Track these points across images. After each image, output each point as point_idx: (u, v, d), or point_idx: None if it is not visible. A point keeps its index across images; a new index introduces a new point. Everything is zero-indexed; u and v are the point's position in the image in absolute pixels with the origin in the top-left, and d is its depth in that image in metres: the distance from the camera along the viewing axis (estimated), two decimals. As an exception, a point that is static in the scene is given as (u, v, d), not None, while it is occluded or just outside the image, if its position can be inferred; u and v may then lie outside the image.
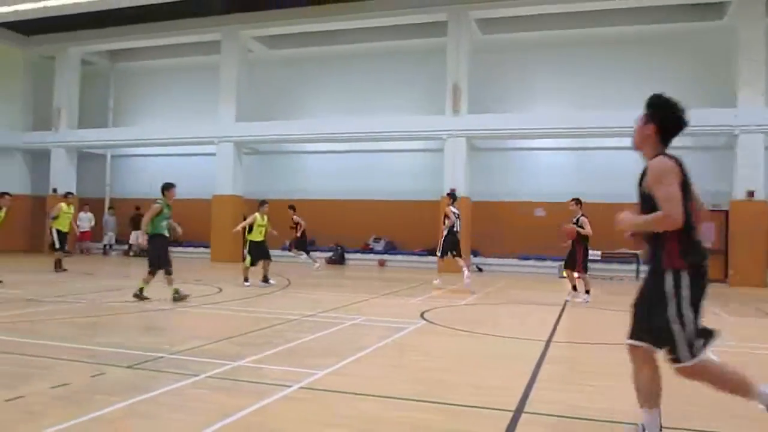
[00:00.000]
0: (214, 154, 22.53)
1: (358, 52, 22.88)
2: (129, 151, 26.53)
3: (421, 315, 9.44)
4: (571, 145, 20.62)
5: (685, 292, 3.54)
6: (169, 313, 9.42)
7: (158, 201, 10.49)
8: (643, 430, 3.76)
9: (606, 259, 19.29)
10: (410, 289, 13.79)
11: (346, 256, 22.08)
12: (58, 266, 15.84)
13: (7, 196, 13.05)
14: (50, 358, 5.92)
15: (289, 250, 19.36)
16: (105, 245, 24.92)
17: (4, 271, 13.57)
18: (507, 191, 21.05)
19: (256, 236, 13.42)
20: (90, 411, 4.27)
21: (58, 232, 15.94)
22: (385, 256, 21.71)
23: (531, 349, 7.01)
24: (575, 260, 11.65)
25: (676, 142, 3.83)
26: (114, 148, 26.35)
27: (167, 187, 10.67)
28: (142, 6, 20.56)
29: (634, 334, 3.81)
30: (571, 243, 11.59)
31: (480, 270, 19.92)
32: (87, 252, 24.42)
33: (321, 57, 23.45)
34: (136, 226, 24.14)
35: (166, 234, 10.50)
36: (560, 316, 10.06)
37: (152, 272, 10.34)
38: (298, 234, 18.51)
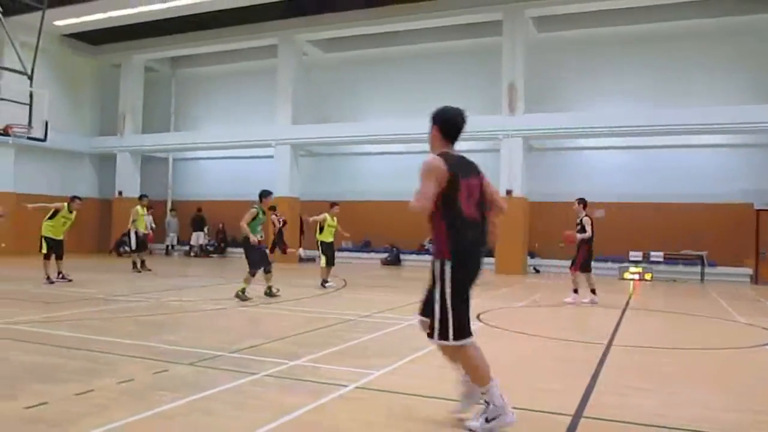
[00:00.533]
0: (271, 157, 22.92)
1: (412, 53, 22.88)
2: (189, 155, 27.29)
3: (477, 317, 9.35)
4: (633, 143, 20.04)
5: (448, 279, 4.00)
6: (228, 312, 9.62)
7: (254, 206, 11.04)
8: (488, 405, 4.06)
9: (669, 260, 18.72)
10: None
11: (401, 257, 22.08)
12: (142, 266, 16.53)
13: (77, 200, 13.60)
14: (116, 354, 6.13)
15: (284, 252, 19.49)
16: (167, 246, 25.70)
17: (73, 271, 14.14)
18: (565, 191, 20.57)
19: (327, 237, 13.46)
20: (153, 406, 4.40)
21: (136, 233, 16.61)
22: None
23: (591, 352, 6.85)
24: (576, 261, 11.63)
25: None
26: (175, 152, 27.16)
27: (265, 195, 11.29)
28: (202, 14, 21.20)
29: (422, 311, 4.42)
30: (576, 245, 11.59)
31: (537, 271, 19.62)
32: (150, 253, 25.19)
33: (375, 59, 23.56)
34: (197, 227, 24.89)
35: (261, 237, 11.13)
36: (621, 318, 9.80)
37: (253, 273, 10.80)
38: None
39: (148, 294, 11.47)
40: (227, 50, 24.63)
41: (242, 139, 23.61)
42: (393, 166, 23.11)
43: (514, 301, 11.74)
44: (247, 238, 10.78)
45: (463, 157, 4.26)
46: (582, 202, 11.95)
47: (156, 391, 4.82)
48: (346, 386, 5.06)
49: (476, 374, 4.10)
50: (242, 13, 21.38)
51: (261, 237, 11.29)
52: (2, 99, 16.15)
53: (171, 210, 26.59)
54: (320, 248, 13.42)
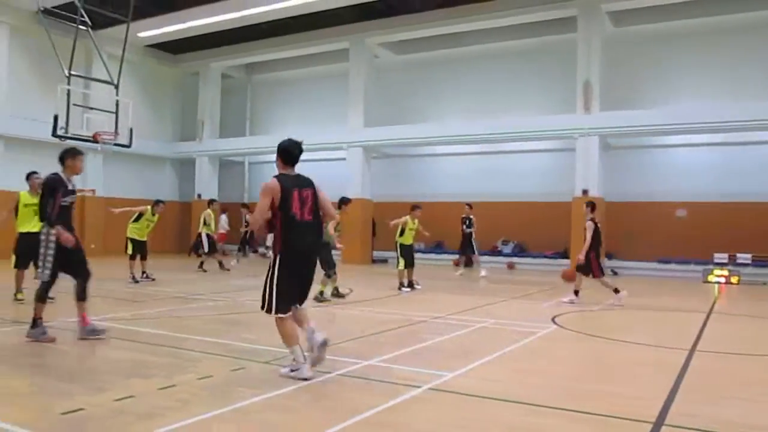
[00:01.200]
0: (343, 159, 23.20)
1: (484, 52, 22.65)
2: (264, 158, 27.95)
3: (553, 319, 9.16)
4: (716, 140, 19.11)
5: (276, 267, 5.37)
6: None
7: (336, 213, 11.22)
8: (294, 361, 5.34)
9: (758, 262, 17.76)
10: (541, 292, 13.42)
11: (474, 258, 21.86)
12: (221, 267, 17.29)
13: (161, 204, 14.19)
14: (196, 351, 6.35)
15: (254, 252, 19.42)
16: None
17: (156, 271, 14.74)
18: (644, 191, 19.90)
19: (407, 240, 13.31)
20: (231, 402, 4.53)
21: (208, 236, 17.23)
22: (514, 259, 21.28)
23: (672, 357, 6.58)
24: (589, 267, 11.25)
25: None
26: (251, 156, 27.93)
27: (345, 202, 11.72)
28: (275, 21, 21.73)
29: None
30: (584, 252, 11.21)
31: (615, 274, 19.01)
32: (225, 253, 25.97)
33: (447, 59, 23.45)
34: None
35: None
36: (705, 323, 9.37)
37: (329, 275, 11.06)
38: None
39: (225, 293, 11.83)
40: (300, 55, 25.11)
41: (315, 142, 23.92)
42: (465, 166, 22.97)
43: (591, 304, 11.42)
44: (328, 243, 10.83)
45: (298, 175, 5.63)
46: (587, 204, 11.74)
47: (234, 387, 4.96)
48: (419, 387, 5.06)
49: (285, 339, 5.41)
50: (314, 19, 21.76)
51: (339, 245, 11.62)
52: (91, 108, 17.09)
53: (248, 212, 27.27)
54: (399, 251, 13.17)
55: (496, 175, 22.09)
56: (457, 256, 19.92)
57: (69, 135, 15.38)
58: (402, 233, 13.24)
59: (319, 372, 5.48)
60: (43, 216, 6.76)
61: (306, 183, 5.60)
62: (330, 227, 10.83)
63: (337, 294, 11.35)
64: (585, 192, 18.54)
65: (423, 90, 23.88)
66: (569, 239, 18.85)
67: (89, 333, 6.87)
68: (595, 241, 11.31)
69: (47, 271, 6.65)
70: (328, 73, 25.73)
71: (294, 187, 5.44)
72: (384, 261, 22.39)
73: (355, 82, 23.00)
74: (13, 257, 9.90)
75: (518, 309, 10.58)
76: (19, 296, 9.74)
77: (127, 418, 4.15)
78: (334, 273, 11.10)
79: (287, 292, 5.41)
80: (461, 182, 22.54)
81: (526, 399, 4.79)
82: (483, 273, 17.64)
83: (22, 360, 6.06)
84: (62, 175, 6.98)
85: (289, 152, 5.61)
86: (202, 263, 17.17)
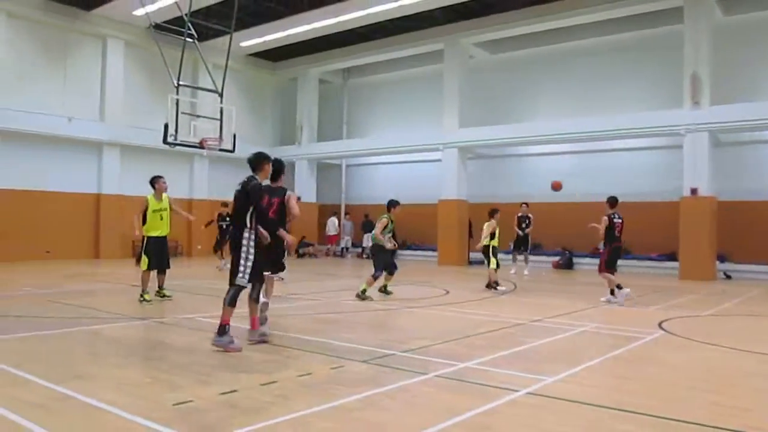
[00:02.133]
0: (439, 160, 23.16)
1: (582, 48, 21.94)
2: (361, 161, 28.44)
3: (659, 325, 8.73)
4: None
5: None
6: (398, 312, 9.87)
7: (384, 216, 11.61)
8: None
9: None
10: (646, 296, 12.82)
11: (574, 260, 21.24)
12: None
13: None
14: (296, 349, 6.54)
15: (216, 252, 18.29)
16: (342, 248, 26.99)
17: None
18: (762, 188, 18.57)
19: (497, 241, 13.77)
20: (331, 400, 4.62)
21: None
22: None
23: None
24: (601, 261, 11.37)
25: None
26: (348, 158, 28.45)
27: (394, 204, 11.82)
28: (370, 25, 22.03)
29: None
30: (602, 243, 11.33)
31: (728, 277, 17.88)
32: (333, 254, 26.71)
33: (542, 57, 22.92)
34: (367, 230, 25.87)
35: (394, 244, 11.81)
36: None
37: (376, 276, 11.31)
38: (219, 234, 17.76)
39: (323, 293, 12.10)
40: (395, 58, 25.32)
41: (410, 143, 24.11)
42: (563, 166, 22.31)
43: (701, 309, 10.80)
44: (379, 245, 11.51)
45: (275, 187, 7.80)
46: (609, 201, 11.56)
47: (333, 385, 5.06)
48: (517, 391, 4.96)
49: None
50: (408, 22, 21.88)
51: (394, 245, 11.81)
52: (198, 116, 17.97)
53: (346, 214, 27.87)
54: (492, 252, 13.52)
55: (595, 175, 21.31)
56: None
57: (178, 142, 16.23)
58: (493, 237, 13.67)
59: (416, 373, 5.50)
60: (244, 221, 6.64)
61: (278, 192, 7.75)
62: (377, 231, 11.41)
63: (384, 290, 11.75)
64: (694, 191, 17.54)
65: (519, 89, 23.45)
66: (677, 240, 17.92)
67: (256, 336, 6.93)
68: (609, 237, 11.29)
69: (246, 277, 6.58)
70: (422, 75, 25.80)
71: (268, 195, 7.65)
72: (480, 263, 22.15)
73: (450, 82, 22.91)
74: (144, 259, 10.16)
75: (621, 313, 10.17)
76: (147, 297, 10.06)
77: (232, 411, 4.33)
78: (380, 275, 11.40)
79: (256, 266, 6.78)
80: (562, 182, 21.83)
81: (627, 406, 4.59)
82: (526, 272, 18.00)
83: (139, 353, 6.46)
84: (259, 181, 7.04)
85: (276, 168, 7.61)
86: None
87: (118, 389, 4.86)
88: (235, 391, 4.83)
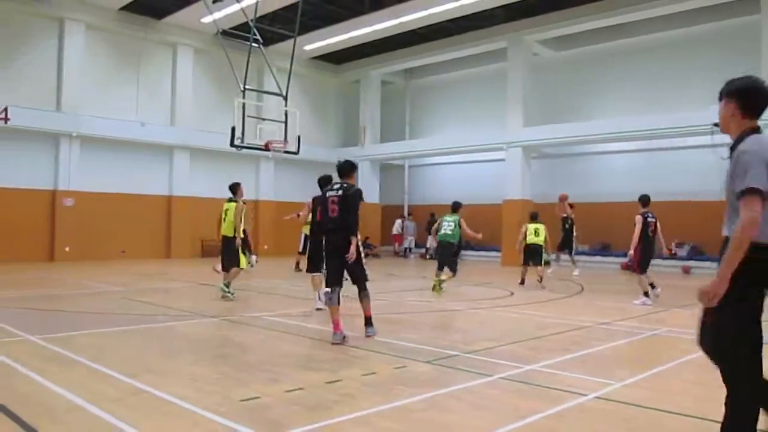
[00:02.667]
0: (502, 160, 22.86)
1: (651, 43, 21.21)
2: (424, 161, 28.39)
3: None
4: None
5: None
6: (462, 313, 9.80)
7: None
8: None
9: None
10: (721, 299, 12.26)
11: (643, 261, 20.56)
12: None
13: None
14: (360, 348, 6.58)
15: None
16: (405, 248, 27.02)
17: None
18: None
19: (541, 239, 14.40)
20: (394, 399, 4.63)
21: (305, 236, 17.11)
22: (690, 263, 19.69)
23: None
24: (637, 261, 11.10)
25: None
26: (411, 159, 28.45)
27: (460, 206, 12.79)
28: (431, 25, 21.97)
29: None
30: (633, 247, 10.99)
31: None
32: (395, 254, 26.80)
33: (609, 53, 22.28)
34: (430, 230, 25.82)
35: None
36: None
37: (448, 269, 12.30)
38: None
39: (388, 293, 12.13)
40: (457, 57, 25.16)
41: (473, 143, 23.90)
42: (631, 164, 21.66)
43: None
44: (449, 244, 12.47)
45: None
46: (641, 200, 11.24)
47: (396, 385, 5.07)
48: (585, 395, 4.84)
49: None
50: (470, 21, 21.72)
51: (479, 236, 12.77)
52: (263, 119, 18.35)
53: (408, 215, 27.89)
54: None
55: (665, 173, 20.55)
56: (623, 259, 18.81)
57: (244, 144, 16.60)
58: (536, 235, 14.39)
59: (480, 374, 5.45)
60: (356, 227, 7.03)
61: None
62: (466, 229, 12.43)
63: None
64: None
65: (584, 86, 22.88)
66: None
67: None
68: (644, 236, 10.90)
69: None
70: (485, 74, 25.54)
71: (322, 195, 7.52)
72: (546, 263, 21.76)
73: (514, 81, 22.59)
74: (305, 262, 9.57)
75: (695, 317, 9.73)
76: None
77: (297, 409, 4.39)
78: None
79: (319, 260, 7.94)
80: (626, 181, 21.12)
81: (701, 413, 4.41)
82: (549, 271, 17.21)
83: (210, 350, 6.65)
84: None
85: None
86: (298, 263, 15.95)
87: (189, 384, 5.01)
88: (301, 388, 4.90)
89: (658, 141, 20.51)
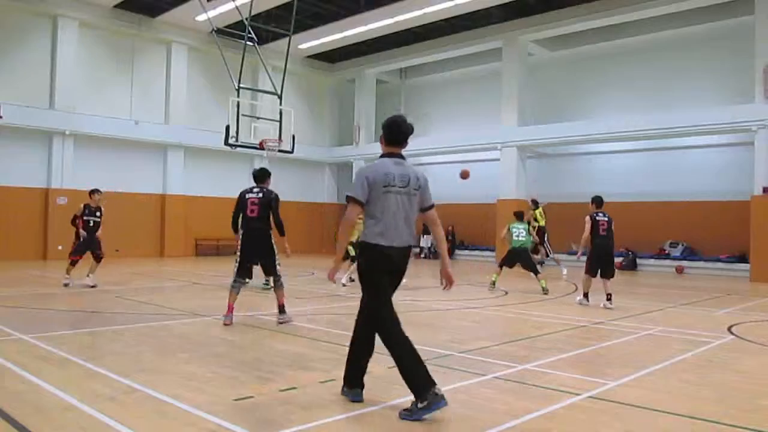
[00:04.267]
0: (497, 160, 22.90)
1: (644, 43, 21.30)
2: (418, 160, 28.23)
3: (729, 329, 8.38)
4: None
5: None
6: (457, 313, 9.80)
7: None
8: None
9: None
10: (715, 299, 12.35)
11: (638, 261, 20.66)
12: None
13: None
14: (355, 348, 6.55)
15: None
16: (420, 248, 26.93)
17: (317, 269, 15.44)
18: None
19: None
20: (387, 399, 4.64)
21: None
22: (684, 263, 19.77)
23: None
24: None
25: None
26: (407, 158, 28.36)
27: (524, 213, 13.49)
28: (426, 24, 22.00)
29: None
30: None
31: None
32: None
33: (604, 53, 22.35)
34: (426, 230, 25.77)
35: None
36: None
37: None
38: None
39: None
40: (452, 57, 25.18)
41: (468, 142, 23.93)
42: (626, 165, 21.74)
43: (775, 312, 10.32)
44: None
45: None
46: (594, 201, 10.96)
47: (390, 384, 5.06)
48: (578, 395, 4.85)
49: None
50: (466, 20, 21.75)
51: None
52: (258, 118, 18.32)
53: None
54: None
55: (660, 174, 20.66)
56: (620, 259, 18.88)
57: (239, 143, 16.58)
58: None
59: (474, 374, 5.45)
60: (282, 227, 8.24)
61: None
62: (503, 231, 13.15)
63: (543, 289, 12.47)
64: (766, 189, 16.79)
65: (579, 86, 22.95)
66: (748, 241, 17.20)
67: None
68: (594, 236, 10.57)
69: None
70: (480, 74, 25.58)
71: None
72: (541, 263, 21.80)
73: (509, 81, 22.63)
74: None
75: (689, 316, 9.82)
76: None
77: (291, 408, 4.39)
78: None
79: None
80: (621, 181, 21.25)
81: (696, 413, 4.43)
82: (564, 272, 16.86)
83: (203, 349, 6.63)
84: None
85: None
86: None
87: (183, 384, 5.00)
88: (294, 388, 4.90)
89: (652, 141, 20.60)
